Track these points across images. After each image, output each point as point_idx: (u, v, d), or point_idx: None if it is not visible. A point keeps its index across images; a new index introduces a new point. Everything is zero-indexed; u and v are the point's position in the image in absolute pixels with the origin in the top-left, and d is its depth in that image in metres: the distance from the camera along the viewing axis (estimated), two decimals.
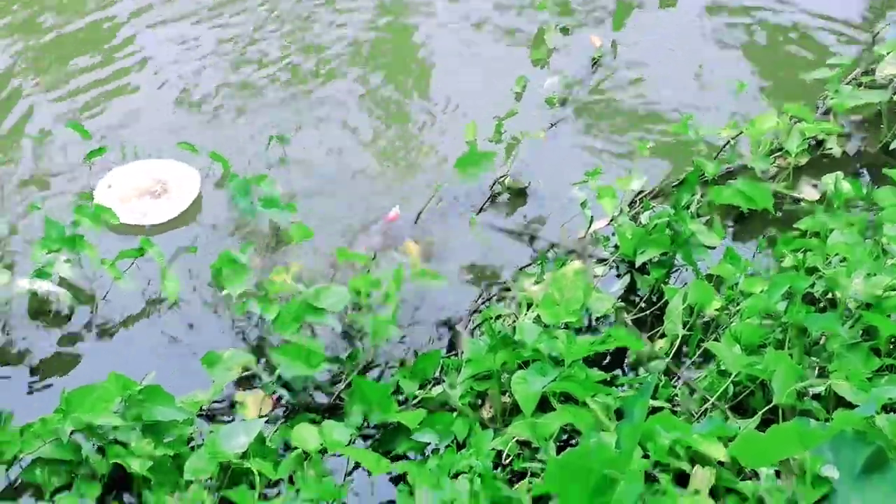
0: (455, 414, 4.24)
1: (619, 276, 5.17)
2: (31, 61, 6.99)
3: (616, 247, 5.24)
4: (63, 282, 5.09)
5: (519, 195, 5.84)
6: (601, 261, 5.22)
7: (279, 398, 4.53)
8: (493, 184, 5.84)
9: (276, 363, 4.42)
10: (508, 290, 5.03)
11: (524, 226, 5.65)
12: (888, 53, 6.46)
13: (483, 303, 5.01)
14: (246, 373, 4.59)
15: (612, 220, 5.41)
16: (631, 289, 5.11)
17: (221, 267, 4.88)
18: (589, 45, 7.09)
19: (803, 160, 5.88)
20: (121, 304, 5.13)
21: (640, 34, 7.26)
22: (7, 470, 4.09)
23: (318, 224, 5.45)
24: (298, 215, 5.42)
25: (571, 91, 6.69)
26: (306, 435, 4.05)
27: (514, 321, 4.68)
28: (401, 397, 4.44)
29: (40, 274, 4.95)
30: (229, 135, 6.35)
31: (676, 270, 5.13)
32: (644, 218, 5.27)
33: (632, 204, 5.56)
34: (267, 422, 4.32)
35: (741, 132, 5.90)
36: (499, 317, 4.77)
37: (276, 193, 5.52)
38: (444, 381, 4.43)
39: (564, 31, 7.27)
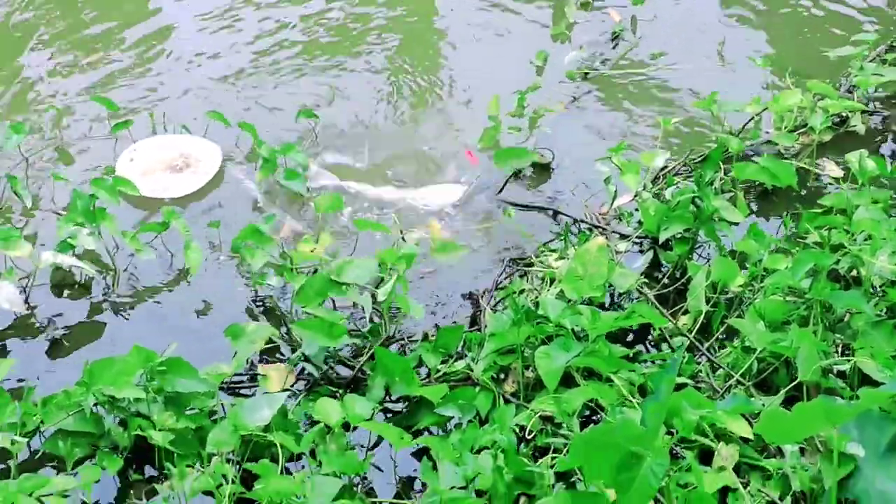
0: (477, 388, 4.21)
1: (641, 251, 5.13)
2: (55, 32, 7.00)
3: (639, 223, 5.20)
4: (87, 253, 5.06)
5: (543, 170, 5.80)
6: (624, 237, 5.18)
7: (302, 371, 4.49)
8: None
9: (299, 337, 4.38)
10: (531, 265, 4.99)
11: (548, 201, 5.60)
12: None
13: (506, 278, 4.96)
14: (269, 345, 4.56)
15: (635, 196, 5.37)
16: (654, 265, 5.07)
17: (244, 238, 4.86)
18: (609, 20, 7.05)
19: (827, 137, 5.84)
20: (144, 276, 5.11)
21: (659, 9, 7.22)
22: (29, 441, 4.06)
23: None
24: None
25: (593, 65, 6.64)
26: (329, 409, 4.02)
27: (538, 296, 4.63)
28: (423, 371, 4.41)
29: (64, 247, 4.92)
30: (260, 108, 6.36)
31: (700, 247, 5.09)
32: (668, 194, 5.20)
33: (655, 180, 5.51)
34: (289, 395, 4.29)
35: (765, 108, 5.85)
36: (522, 291, 4.73)
37: (306, 163, 5.53)
38: (466, 355, 4.39)
39: (585, 5, 7.23)
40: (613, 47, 6.84)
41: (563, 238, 5.09)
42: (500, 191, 5.66)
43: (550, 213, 5.51)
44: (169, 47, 6.90)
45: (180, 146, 5.92)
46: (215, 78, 6.62)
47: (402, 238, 4.98)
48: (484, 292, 4.86)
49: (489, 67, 6.67)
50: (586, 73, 6.56)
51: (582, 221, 5.35)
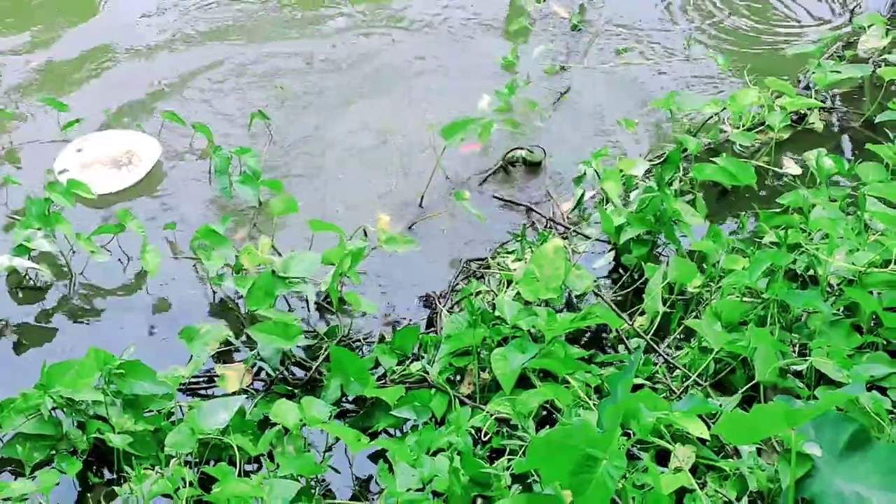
0: (433, 390, 4.23)
1: (605, 252, 5.15)
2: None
3: None
4: (43, 257, 5.05)
5: (535, 166, 5.85)
6: (587, 237, 5.20)
7: (258, 371, 4.50)
8: (505, 155, 5.83)
9: (254, 338, 4.39)
10: (488, 267, 5.01)
11: (531, 199, 5.64)
12: (869, 26, 6.47)
13: (464, 279, 4.98)
14: (227, 346, 4.58)
15: (595, 195, 5.42)
16: (617, 266, 5.09)
17: (200, 239, 4.87)
18: (566, 16, 7.13)
19: (785, 135, 5.89)
20: (101, 278, 5.09)
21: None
22: None
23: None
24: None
25: (566, 60, 6.69)
26: (286, 410, 4.02)
27: (494, 298, 4.65)
28: (380, 372, 4.42)
29: (20, 251, 4.91)
30: (218, 108, 6.38)
31: (661, 248, 5.10)
32: (633, 195, 5.25)
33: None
34: (247, 396, 4.30)
35: (723, 108, 5.90)
36: (478, 293, 4.75)
37: (259, 169, 5.50)
38: (423, 357, 4.41)
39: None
40: (576, 39, 6.89)
41: (520, 239, 5.10)
42: (483, 181, 5.70)
43: (524, 210, 5.53)
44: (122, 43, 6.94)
45: (128, 141, 5.93)
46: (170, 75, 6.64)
47: (364, 233, 5.02)
48: (440, 294, 4.88)
49: (450, 72, 6.75)
50: (563, 67, 6.61)
51: (551, 220, 5.37)
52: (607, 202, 5.28)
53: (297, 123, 6.23)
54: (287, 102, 6.40)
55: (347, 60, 6.83)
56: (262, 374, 4.49)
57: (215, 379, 4.45)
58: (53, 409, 4.02)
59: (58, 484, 3.87)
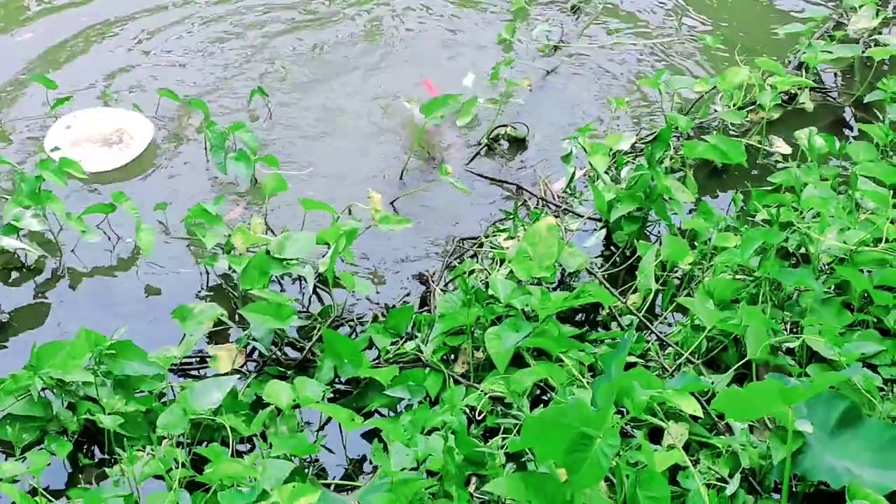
0: (427, 370, 4.22)
1: (595, 230, 5.13)
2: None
3: None
4: (32, 235, 5.03)
5: (519, 144, 5.85)
6: (579, 216, 5.20)
7: (252, 352, 4.48)
8: (490, 132, 5.83)
9: (248, 318, 4.37)
10: (482, 245, 5.00)
11: (516, 176, 5.64)
12: (860, 6, 6.47)
13: (457, 258, 4.97)
14: (219, 327, 4.56)
15: (585, 173, 5.42)
16: (609, 244, 5.09)
17: (193, 217, 4.85)
18: None
19: (776, 115, 5.88)
20: (92, 258, 5.07)
21: None
22: None
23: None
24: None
25: (561, 38, 6.70)
26: (279, 391, 4.01)
27: (488, 276, 4.64)
28: (373, 352, 4.41)
29: (9, 229, 4.88)
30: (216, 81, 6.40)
31: (651, 225, 5.11)
32: (624, 172, 5.26)
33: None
34: (239, 377, 4.29)
35: (713, 88, 5.90)
36: (472, 272, 4.73)
37: (254, 144, 5.47)
38: (417, 336, 4.40)
39: None
40: (576, 19, 6.91)
41: (513, 217, 5.09)
42: (470, 161, 5.69)
43: (514, 188, 5.52)
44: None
45: (118, 120, 5.91)
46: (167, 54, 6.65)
47: (349, 211, 4.99)
48: (433, 273, 4.87)
49: (459, 45, 6.76)
50: (556, 47, 6.61)
51: (541, 199, 5.36)
52: (597, 179, 5.27)
53: (290, 95, 6.26)
54: (285, 80, 6.42)
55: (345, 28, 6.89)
56: (255, 355, 4.47)
57: (207, 359, 4.43)
58: (43, 389, 3.99)
59: (48, 465, 3.84)
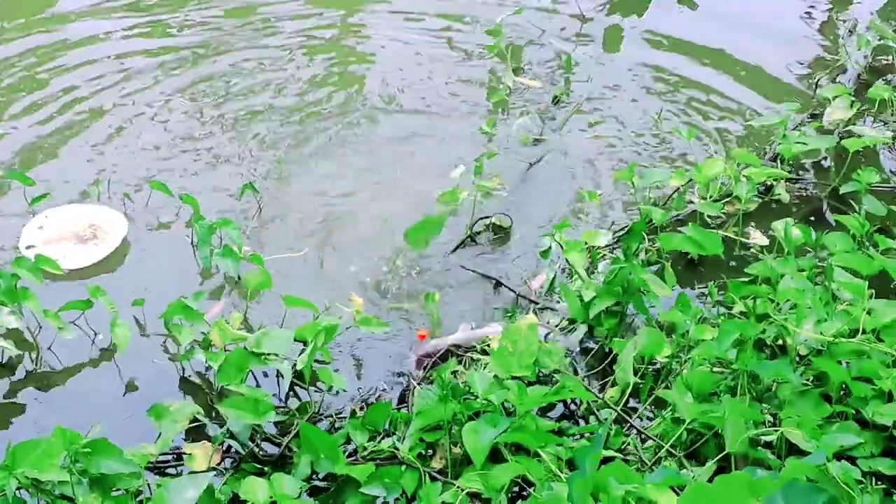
0: (403, 467, 4.20)
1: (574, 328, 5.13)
2: None
3: None
4: (9, 333, 5.01)
5: (503, 233, 5.90)
6: (553, 310, 5.22)
7: (228, 448, 4.47)
8: (473, 223, 5.86)
9: (225, 415, 4.37)
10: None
11: (499, 270, 5.64)
12: (834, 98, 6.53)
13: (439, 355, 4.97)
14: (195, 423, 4.53)
15: (565, 272, 5.45)
16: (592, 334, 5.09)
17: (173, 314, 4.85)
18: (540, 87, 7.22)
19: (752, 206, 5.91)
20: (68, 354, 5.05)
21: (590, 73, 7.44)
22: None
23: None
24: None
25: (542, 131, 6.76)
26: (255, 488, 4.00)
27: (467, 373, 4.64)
28: (351, 448, 4.40)
29: None
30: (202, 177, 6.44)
31: (631, 318, 5.11)
32: (601, 266, 5.30)
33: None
34: (216, 474, 4.26)
35: (689, 181, 5.94)
36: (455, 372, 4.73)
37: (240, 241, 5.49)
38: (394, 433, 4.39)
39: (516, 71, 7.34)
40: (555, 112, 6.98)
41: (509, 316, 5.15)
42: (454, 251, 5.72)
43: (493, 283, 5.53)
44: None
45: (90, 216, 5.92)
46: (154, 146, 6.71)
47: (327, 309, 4.99)
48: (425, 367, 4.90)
49: (438, 138, 6.80)
50: (536, 140, 6.66)
51: (520, 297, 5.37)
52: (573, 276, 5.30)
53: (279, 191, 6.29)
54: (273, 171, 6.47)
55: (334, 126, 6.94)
56: (232, 451, 4.45)
57: (183, 457, 4.40)
58: (18, 489, 3.95)
59: None
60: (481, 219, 5.88)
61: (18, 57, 7.55)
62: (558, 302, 5.28)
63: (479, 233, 5.87)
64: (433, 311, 5.20)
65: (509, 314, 5.14)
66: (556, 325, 5.09)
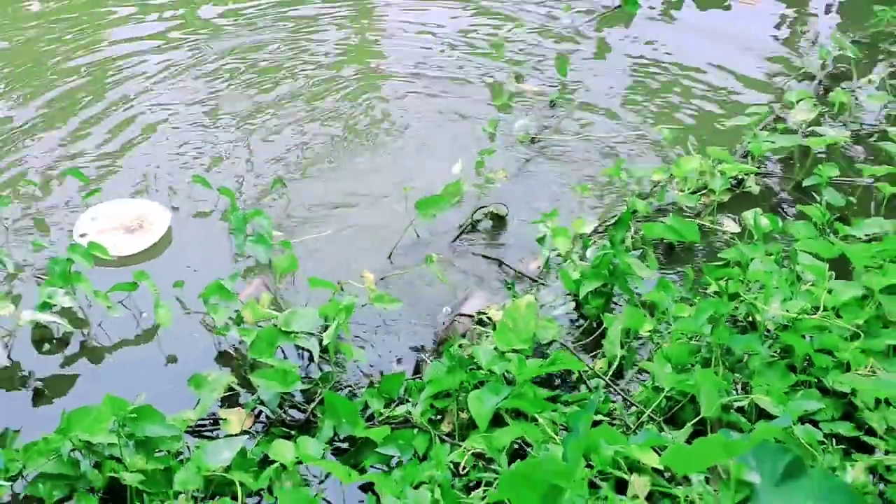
0: (416, 430, 4.20)
1: (565, 303, 5.11)
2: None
3: None
4: (64, 312, 5.02)
5: (501, 221, 5.89)
6: (544, 284, 5.24)
7: (259, 414, 4.48)
8: (473, 212, 5.85)
9: (256, 384, 4.37)
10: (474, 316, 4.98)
11: (499, 252, 5.65)
12: (798, 101, 6.51)
13: (447, 332, 4.93)
14: (230, 392, 4.54)
15: (559, 255, 5.42)
16: (581, 315, 5.08)
17: (210, 294, 4.84)
18: (540, 90, 7.23)
19: (725, 198, 5.88)
20: (116, 331, 5.07)
21: (584, 78, 7.43)
22: (13, 485, 4.02)
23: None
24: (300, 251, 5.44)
25: (539, 132, 6.73)
26: (283, 449, 4.00)
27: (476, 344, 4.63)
28: (369, 413, 4.40)
29: (44, 306, 4.88)
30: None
31: (617, 298, 5.10)
32: (590, 252, 5.27)
33: (576, 239, 5.53)
34: (248, 437, 4.27)
35: (670, 176, 5.93)
36: (461, 345, 4.70)
37: (270, 229, 5.49)
38: (409, 400, 4.39)
39: (518, 78, 7.32)
40: (553, 114, 6.96)
41: (509, 287, 5.17)
42: (456, 238, 5.72)
43: (497, 262, 5.54)
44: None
45: (137, 209, 5.93)
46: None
47: (341, 289, 4.94)
48: (425, 347, 4.90)
49: (445, 141, 6.78)
50: (533, 139, 6.63)
51: (520, 274, 5.38)
52: (566, 260, 5.30)
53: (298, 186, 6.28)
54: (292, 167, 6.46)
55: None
56: (263, 417, 4.46)
57: (219, 422, 4.41)
58: (72, 451, 3.98)
59: None
60: (481, 208, 5.88)
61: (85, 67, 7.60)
62: (556, 280, 5.27)
63: (479, 221, 5.86)
64: (437, 272, 5.23)
65: (509, 285, 5.16)
66: (551, 303, 5.08)
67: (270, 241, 5.43)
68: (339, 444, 4.32)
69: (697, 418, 4.06)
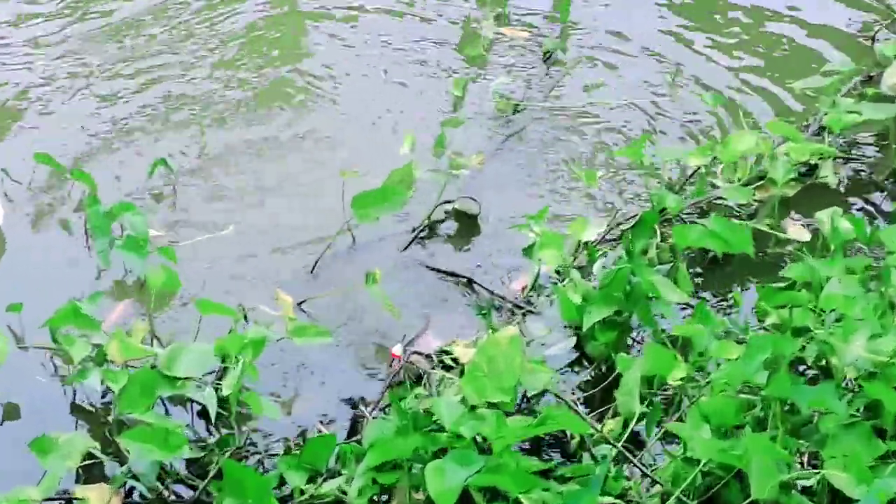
0: None
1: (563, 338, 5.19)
2: None
3: None
4: None
5: (470, 222, 5.95)
6: (535, 312, 5.30)
7: (131, 491, 4.51)
8: (433, 210, 5.91)
9: (126, 449, 4.42)
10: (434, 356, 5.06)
11: (468, 268, 5.71)
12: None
13: (399, 375, 4.99)
14: (89, 461, 4.55)
15: (554, 271, 5.49)
16: (583, 355, 5.15)
17: (61, 322, 4.86)
18: (529, 35, 7.33)
19: (791, 191, 5.95)
20: None
21: (592, 21, 7.51)
22: None
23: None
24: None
25: (524, 96, 6.80)
26: None
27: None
28: (286, 492, 4.43)
29: None
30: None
31: (634, 332, 5.18)
32: (596, 268, 5.32)
33: (578, 249, 5.59)
34: None
35: (713, 158, 5.95)
36: (416, 395, 4.76)
37: (146, 230, 5.51)
38: (341, 473, 4.42)
39: (499, 18, 7.38)
40: (548, 70, 7.00)
41: (484, 315, 5.21)
42: (408, 246, 5.79)
43: (464, 280, 5.61)
44: None
45: None
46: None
47: (245, 317, 5.03)
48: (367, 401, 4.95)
49: (397, 100, 6.89)
50: (516, 106, 6.69)
51: (499, 297, 5.44)
52: (564, 277, 5.34)
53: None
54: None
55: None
56: (136, 495, 4.49)
57: (74, 502, 4.44)
58: None
59: None
60: (443, 204, 5.95)
61: None
62: (549, 306, 5.34)
63: (440, 222, 5.94)
64: (380, 295, 5.23)
65: (484, 312, 5.23)
66: (540, 339, 5.15)
67: (146, 246, 5.45)
68: None
69: (747, 502, 4.11)
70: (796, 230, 5.75)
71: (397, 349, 5.09)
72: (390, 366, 5.06)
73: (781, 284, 5.18)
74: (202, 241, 5.78)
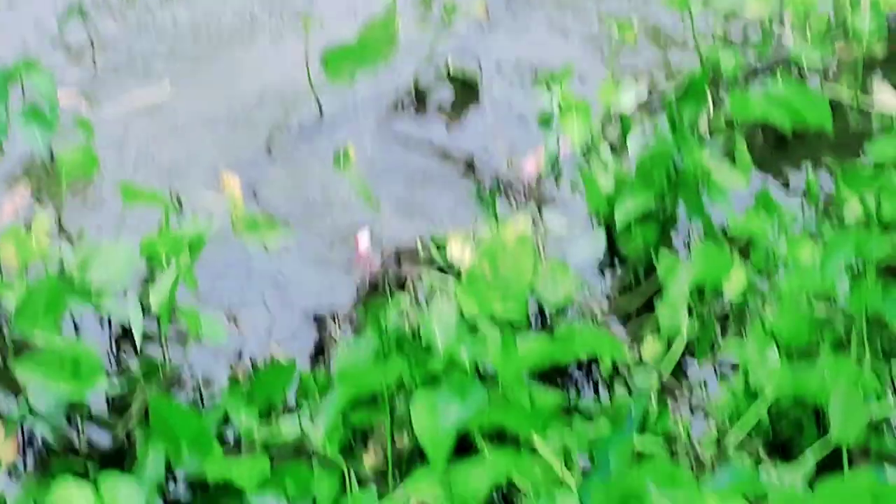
0: (316, 464, 4.20)
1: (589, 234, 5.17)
2: None
3: None
4: None
5: (468, 92, 5.95)
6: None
7: (30, 438, 4.47)
8: (419, 74, 5.96)
9: (24, 381, 4.35)
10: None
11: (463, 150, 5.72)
12: None
13: (379, 285, 5.00)
14: None
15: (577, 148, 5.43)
16: (613, 255, 5.13)
17: None
18: None
19: (880, 50, 5.90)
20: None
21: None
22: None
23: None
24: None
25: None
26: (74, 498, 3.98)
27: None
28: (231, 434, 4.41)
29: None
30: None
31: (683, 226, 5.16)
32: (631, 144, 5.29)
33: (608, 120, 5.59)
34: (10, 475, 4.29)
35: (783, 8, 5.94)
36: (399, 307, 4.72)
37: (54, 93, 5.46)
38: (302, 410, 4.37)
39: None
40: None
41: (486, 205, 5.19)
42: (389, 118, 5.81)
43: (461, 165, 5.62)
44: None
45: None
46: None
47: (180, 208, 5.02)
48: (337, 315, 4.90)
49: None
50: None
51: (505, 182, 5.45)
52: (589, 154, 5.32)
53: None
54: None
55: None
56: (38, 440, 4.47)
57: None
58: None
59: None
60: (433, 67, 5.96)
61: None
62: (571, 193, 5.35)
63: (429, 88, 5.94)
64: (353, 178, 5.24)
65: (486, 201, 5.18)
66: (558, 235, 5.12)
67: (55, 115, 5.41)
68: (175, 487, 4.33)
69: (825, 444, 4.07)
70: (886, 97, 5.66)
71: (363, 239, 5.06)
72: (360, 266, 5.03)
73: (868, 167, 5.15)
74: (128, 108, 5.76)
